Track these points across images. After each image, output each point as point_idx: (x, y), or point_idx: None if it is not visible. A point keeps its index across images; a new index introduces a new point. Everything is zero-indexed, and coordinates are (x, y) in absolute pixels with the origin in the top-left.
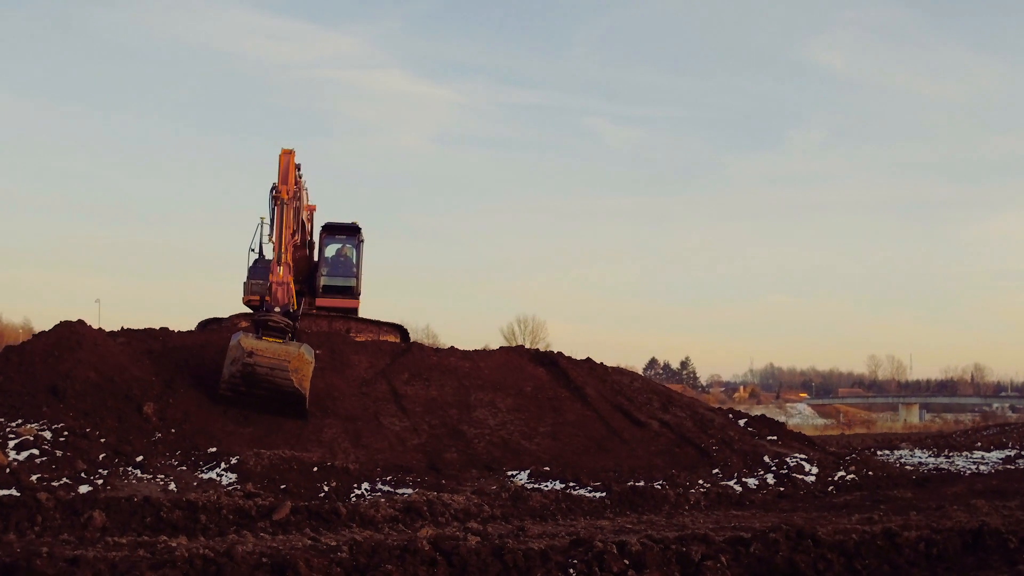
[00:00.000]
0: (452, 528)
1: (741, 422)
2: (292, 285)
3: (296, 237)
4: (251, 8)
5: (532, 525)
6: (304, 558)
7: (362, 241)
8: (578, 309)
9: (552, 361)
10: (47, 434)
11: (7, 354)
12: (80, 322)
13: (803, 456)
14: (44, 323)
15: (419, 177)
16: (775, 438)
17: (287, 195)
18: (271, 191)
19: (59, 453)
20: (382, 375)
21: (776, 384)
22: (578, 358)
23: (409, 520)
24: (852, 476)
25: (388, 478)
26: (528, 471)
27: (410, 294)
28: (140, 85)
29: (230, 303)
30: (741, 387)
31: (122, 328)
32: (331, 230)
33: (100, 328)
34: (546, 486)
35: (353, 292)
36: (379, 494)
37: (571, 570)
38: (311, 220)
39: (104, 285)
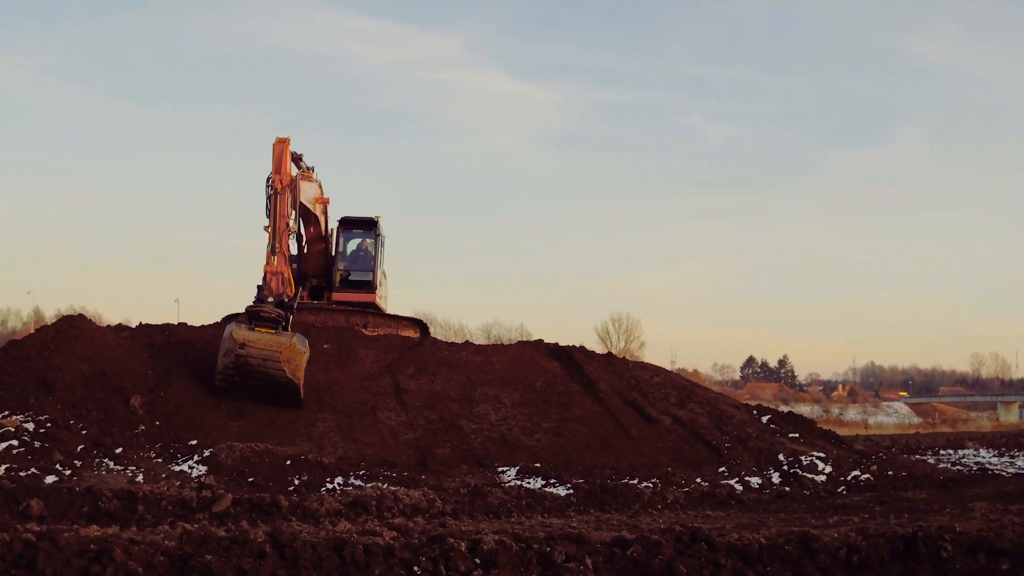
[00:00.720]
0: (394, 522)
1: (764, 419)
2: (288, 274)
3: (294, 225)
4: (349, 12)
5: (476, 523)
6: (123, 545)
7: (379, 235)
8: (674, 308)
9: (568, 356)
10: (30, 425)
11: (7, 348)
12: (80, 316)
13: (820, 455)
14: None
15: (516, 177)
16: (797, 436)
17: (280, 185)
18: (266, 181)
19: (38, 444)
20: (387, 369)
21: (876, 382)
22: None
23: (353, 515)
24: (868, 476)
25: (362, 473)
26: (518, 468)
27: (506, 293)
28: (243, 90)
29: None
30: (840, 386)
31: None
32: (348, 224)
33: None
34: (529, 483)
35: (370, 286)
36: (350, 488)
37: (416, 567)
38: (326, 214)
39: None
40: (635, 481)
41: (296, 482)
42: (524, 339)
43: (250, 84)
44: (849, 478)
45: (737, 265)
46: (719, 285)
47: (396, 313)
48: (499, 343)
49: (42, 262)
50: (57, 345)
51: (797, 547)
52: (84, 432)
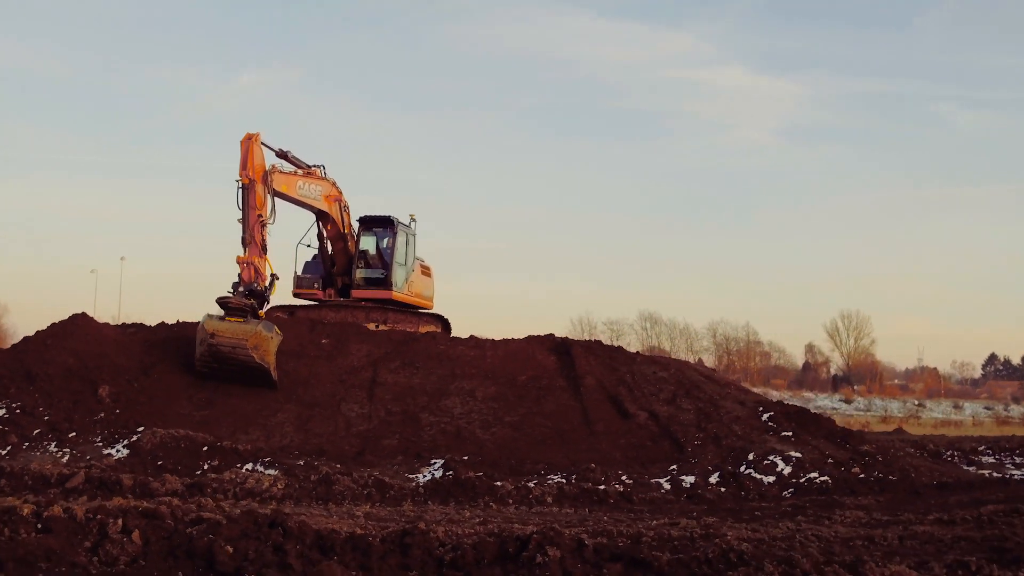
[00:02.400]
0: (223, 504)
1: (765, 416)
2: (260, 265)
3: (269, 217)
4: (588, 13)
5: (296, 508)
6: None
7: (396, 233)
8: (912, 303)
9: (566, 349)
10: (1, 411)
11: (23, 342)
12: (83, 315)
13: (795, 455)
14: None
15: (762, 172)
16: (789, 434)
17: (247, 179)
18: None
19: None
20: (373, 363)
21: None
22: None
23: (189, 495)
24: (825, 479)
25: (267, 459)
26: (444, 461)
27: (742, 291)
28: (484, 96)
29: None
30: None
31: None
32: (366, 223)
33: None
34: (437, 474)
35: (386, 283)
36: (249, 472)
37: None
38: (346, 213)
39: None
40: (555, 476)
41: (205, 467)
42: (750, 338)
43: (495, 89)
44: (803, 480)
45: (989, 259)
46: (966, 280)
47: (429, 310)
48: (506, 339)
49: None
50: (54, 340)
51: (397, 543)
52: (47, 418)
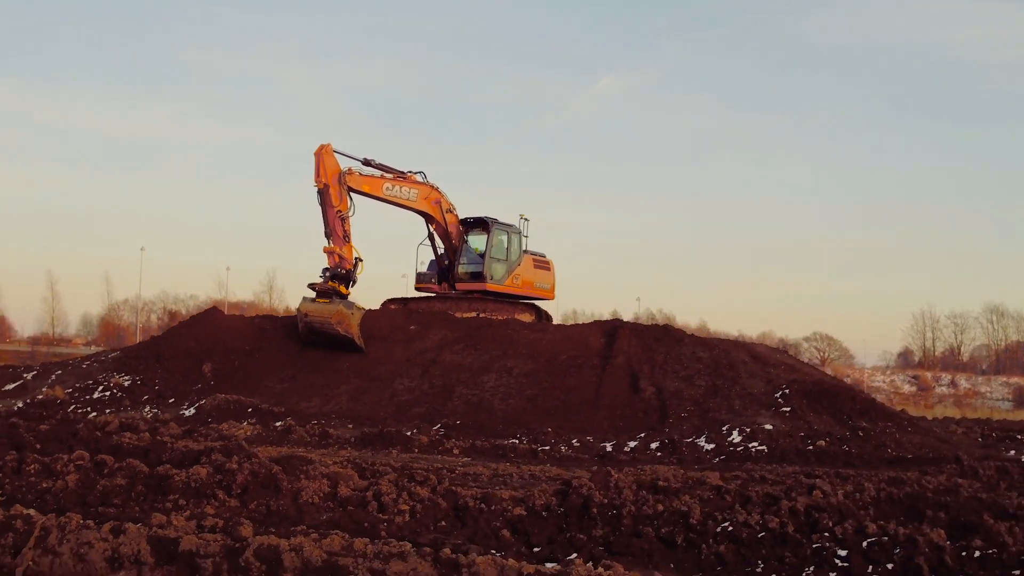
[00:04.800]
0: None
1: (779, 393)
2: (344, 251)
3: (348, 212)
4: None
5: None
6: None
7: (492, 232)
8: None
9: (614, 331)
10: (126, 382)
11: (167, 331)
12: (215, 308)
13: (769, 427)
14: None
15: None
16: (787, 409)
17: (321, 184)
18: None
19: (119, 394)
20: (440, 346)
21: None
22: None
23: (129, 434)
24: (762, 448)
25: (288, 418)
26: (440, 424)
27: None
28: (838, 87)
29: None
30: None
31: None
32: (466, 224)
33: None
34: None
35: (481, 276)
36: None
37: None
38: (449, 213)
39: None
40: (516, 439)
41: (245, 424)
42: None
43: (850, 80)
44: (739, 448)
45: None
46: None
47: (535, 299)
48: (574, 324)
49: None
50: (185, 329)
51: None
52: (156, 388)
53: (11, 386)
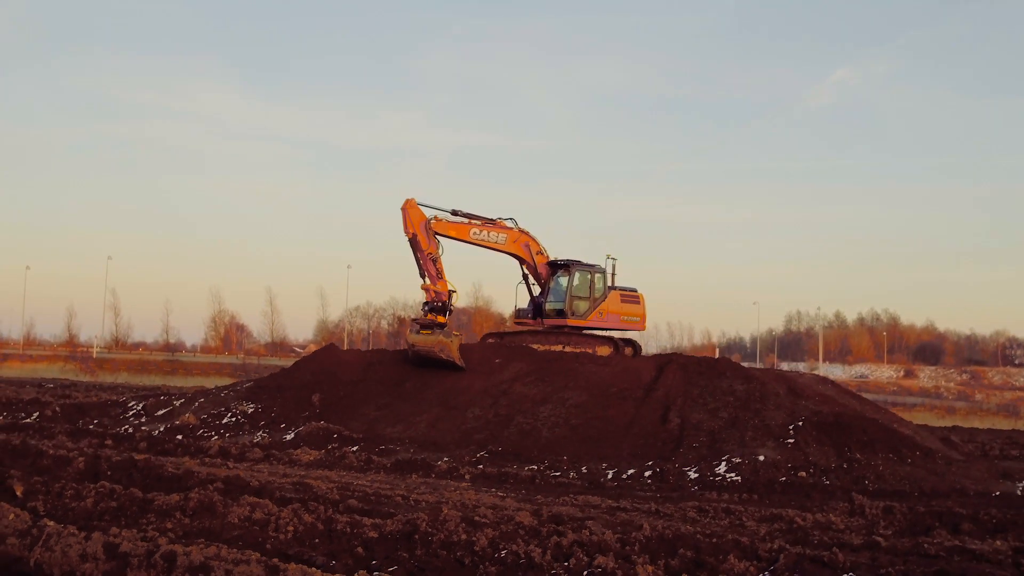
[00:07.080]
0: (207, 463)
1: (792, 426)
2: (439, 287)
3: (438, 253)
4: None
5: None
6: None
7: (573, 273)
8: None
9: (666, 364)
10: (250, 409)
11: (293, 366)
12: (332, 345)
13: (760, 458)
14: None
15: None
16: (791, 440)
17: (410, 234)
18: None
19: (242, 420)
20: (515, 378)
21: None
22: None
23: (262, 461)
24: (737, 479)
25: (362, 443)
26: (487, 449)
27: None
28: None
29: None
30: None
31: None
32: (552, 266)
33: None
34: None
35: (562, 313)
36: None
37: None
38: (537, 255)
39: None
40: (534, 465)
41: (330, 446)
42: None
43: None
44: (718, 479)
45: None
46: None
47: (615, 331)
48: (641, 356)
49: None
50: (304, 363)
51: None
52: (273, 414)
53: (162, 412)
